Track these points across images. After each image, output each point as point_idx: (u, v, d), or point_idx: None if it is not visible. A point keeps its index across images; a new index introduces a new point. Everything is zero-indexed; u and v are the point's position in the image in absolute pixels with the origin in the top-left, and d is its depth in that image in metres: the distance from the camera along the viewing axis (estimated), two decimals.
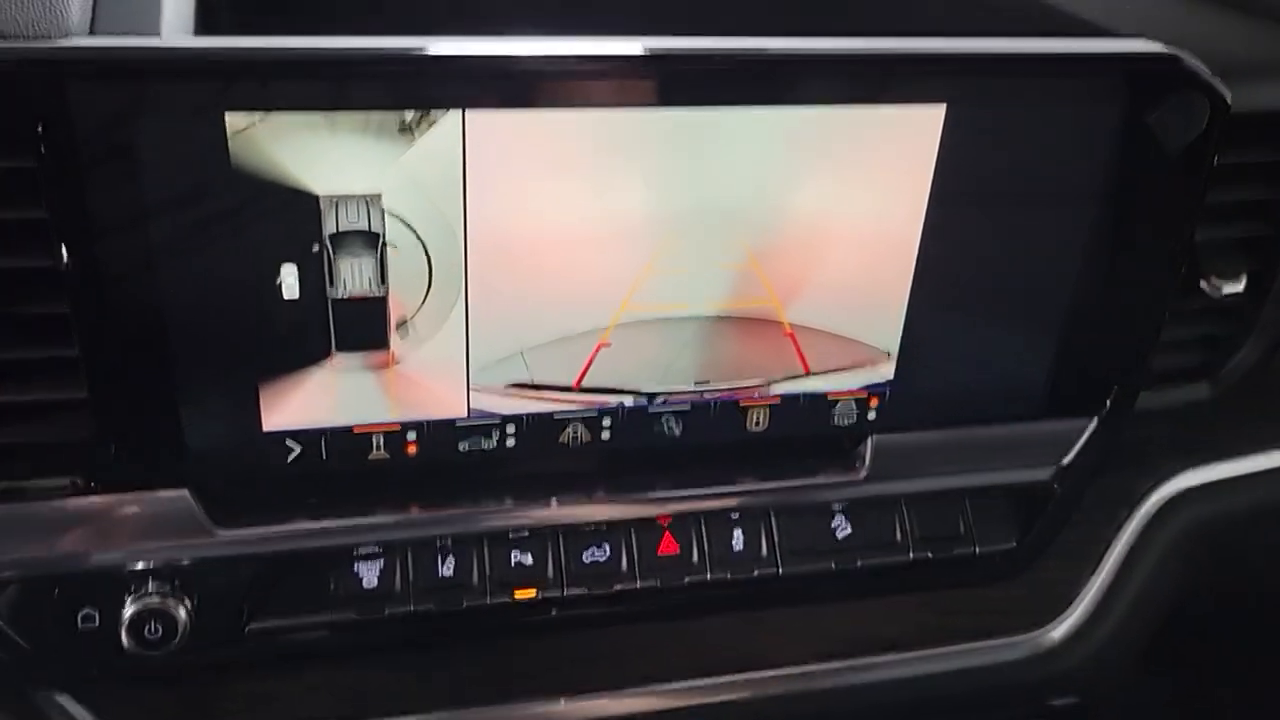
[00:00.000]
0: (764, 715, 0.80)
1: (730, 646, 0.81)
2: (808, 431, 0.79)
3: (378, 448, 0.72)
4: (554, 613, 0.79)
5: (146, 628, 0.69)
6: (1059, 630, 0.86)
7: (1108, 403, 0.83)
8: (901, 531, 0.83)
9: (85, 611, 0.70)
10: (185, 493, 0.69)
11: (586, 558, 0.79)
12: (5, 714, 0.73)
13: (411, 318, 0.68)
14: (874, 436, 0.80)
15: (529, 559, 0.78)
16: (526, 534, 0.78)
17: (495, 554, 0.77)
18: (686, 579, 0.80)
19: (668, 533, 0.80)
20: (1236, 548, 0.96)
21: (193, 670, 0.75)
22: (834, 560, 0.82)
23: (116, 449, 0.67)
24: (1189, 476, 0.95)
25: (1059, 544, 0.89)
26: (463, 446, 0.74)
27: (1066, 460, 0.83)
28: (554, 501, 0.76)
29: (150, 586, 0.70)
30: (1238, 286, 0.83)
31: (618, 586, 0.79)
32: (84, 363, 0.65)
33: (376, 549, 0.76)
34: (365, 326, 0.68)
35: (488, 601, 0.77)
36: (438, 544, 0.76)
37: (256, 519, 0.72)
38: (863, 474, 0.80)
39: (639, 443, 0.76)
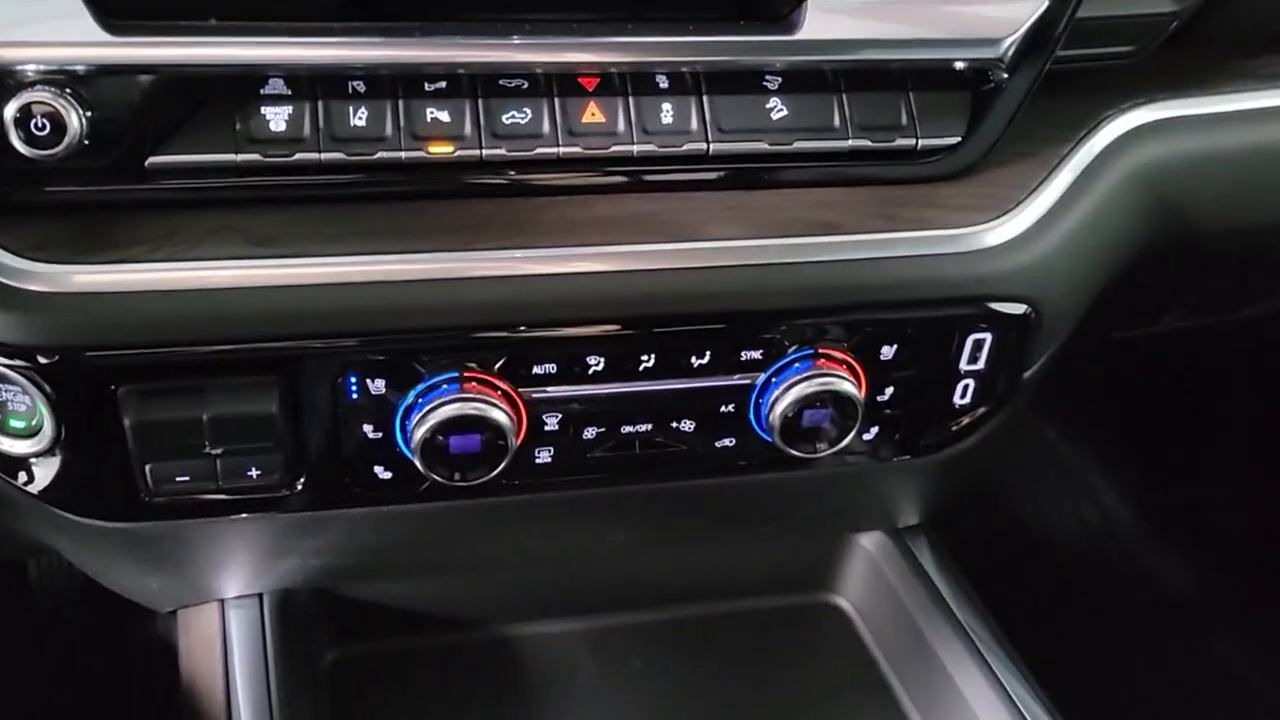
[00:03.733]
0: (695, 287, 0.77)
1: (663, 223, 0.78)
2: None
3: None
4: (473, 178, 0.76)
5: (34, 123, 0.66)
6: (1000, 230, 0.82)
7: None
8: (840, 117, 0.80)
9: None
10: None
11: (506, 119, 0.75)
12: None
13: None
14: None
15: (446, 115, 0.75)
16: (444, 85, 0.75)
17: (410, 106, 0.74)
18: (612, 148, 0.77)
19: (592, 100, 0.77)
20: (1192, 189, 0.93)
21: (93, 206, 0.72)
22: (767, 140, 0.79)
23: None
24: (1150, 110, 0.91)
25: (1008, 153, 0.85)
26: None
27: (1013, 40, 0.79)
28: (470, 42, 0.73)
29: (39, 87, 0.67)
30: None
31: (539, 150, 0.76)
32: None
33: (284, 90, 0.73)
34: None
35: (402, 156, 0.74)
36: (349, 90, 0.73)
37: (151, 31, 0.68)
38: (797, 34, 0.76)
39: None
